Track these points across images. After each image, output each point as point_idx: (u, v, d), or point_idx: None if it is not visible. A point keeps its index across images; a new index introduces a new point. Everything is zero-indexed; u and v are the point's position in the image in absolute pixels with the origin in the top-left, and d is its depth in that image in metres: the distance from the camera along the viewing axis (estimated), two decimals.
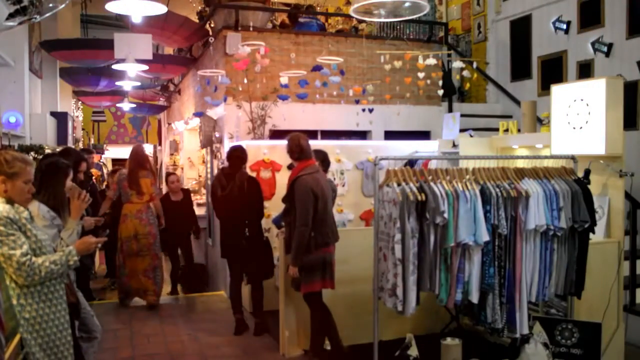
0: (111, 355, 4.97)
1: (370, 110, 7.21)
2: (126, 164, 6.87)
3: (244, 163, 5.69)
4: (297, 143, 4.45)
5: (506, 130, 5.52)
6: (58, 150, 6.38)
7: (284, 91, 6.73)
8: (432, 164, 5.86)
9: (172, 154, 12.63)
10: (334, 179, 6.39)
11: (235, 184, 5.39)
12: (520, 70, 8.36)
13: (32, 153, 6.12)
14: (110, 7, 4.76)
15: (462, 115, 6.68)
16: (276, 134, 6.98)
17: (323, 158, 4.91)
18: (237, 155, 5.55)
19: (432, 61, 6.57)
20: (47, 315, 2.75)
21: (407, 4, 4.05)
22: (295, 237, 4.29)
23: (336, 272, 4.53)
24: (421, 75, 6.65)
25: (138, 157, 6.65)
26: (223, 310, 6.39)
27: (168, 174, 8.26)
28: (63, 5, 4.88)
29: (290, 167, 4.97)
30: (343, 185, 6.56)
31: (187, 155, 11.24)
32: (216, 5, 7.58)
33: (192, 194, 8.60)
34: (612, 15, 6.78)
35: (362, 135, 7.89)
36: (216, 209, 5.64)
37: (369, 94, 7.07)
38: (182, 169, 11.48)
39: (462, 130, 6.39)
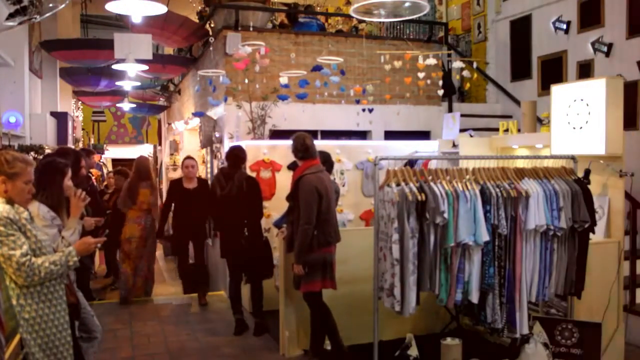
0: (111, 355, 4.96)
1: (370, 110, 7.21)
2: (130, 174, 7.13)
3: (243, 163, 5.69)
4: (302, 142, 4.46)
5: (506, 130, 5.52)
6: (55, 150, 6.40)
7: (284, 91, 6.73)
8: (432, 164, 5.86)
9: (172, 154, 12.62)
10: (333, 178, 6.39)
11: (234, 184, 5.40)
12: (520, 70, 8.36)
13: (32, 153, 6.13)
14: (110, 7, 4.76)
15: (462, 115, 6.69)
16: (276, 134, 6.98)
17: (326, 159, 4.92)
18: (236, 154, 5.56)
19: (432, 61, 6.57)
20: (47, 316, 2.75)
21: (407, 4, 4.05)
22: (299, 235, 4.30)
23: (336, 272, 4.53)
24: (421, 75, 6.65)
25: (140, 169, 6.88)
26: (223, 310, 6.39)
27: (186, 158, 7.00)
28: (63, 5, 4.88)
29: (290, 167, 4.97)
30: (343, 185, 6.56)
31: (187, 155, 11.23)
32: (216, 5, 7.59)
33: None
34: (612, 15, 6.78)
35: (362, 135, 7.89)
36: (216, 209, 5.64)
37: (369, 94, 7.07)
38: None
39: (462, 130, 6.39)
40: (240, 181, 5.41)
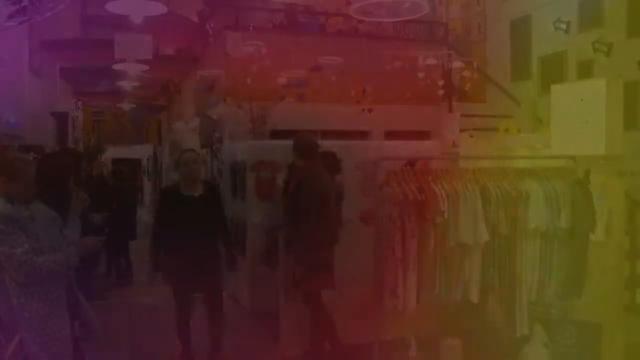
0: (111, 355, 4.96)
1: (370, 110, 7.21)
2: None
3: (300, 154, 4.54)
4: (307, 141, 4.45)
5: (506, 130, 5.52)
6: (57, 150, 6.41)
7: (284, 91, 6.73)
8: (432, 164, 5.85)
9: (172, 154, 12.62)
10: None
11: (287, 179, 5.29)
12: (520, 70, 8.36)
13: (32, 153, 6.13)
14: (110, 7, 4.76)
15: (462, 115, 6.68)
16: (276, 134, 6.98)
17: (331, 160, 4.91)
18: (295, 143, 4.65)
19: (432, 61, 6.57)
20: (47, 315, 2.74)
21: (407, 4, 4.06)
22: (297, 236, 4.29)
23: (336, 272, 4.52)
24: (421, 75, 6.65)
25: None
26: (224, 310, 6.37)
27: (185, 151, 4.68)
28: (63, 5, 4.89)
29: (290, 167, 4.96)
30: (343, 185, 6.55)
31: None
32: (216, 5, 7.59)
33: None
34: (612, 15, 6.78)
35: (362, 135, 7.89)
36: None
37: (368, 94, 7.07)
38: None
39: (462, 130, 6.39)
40: (289, 177, 4.82)
